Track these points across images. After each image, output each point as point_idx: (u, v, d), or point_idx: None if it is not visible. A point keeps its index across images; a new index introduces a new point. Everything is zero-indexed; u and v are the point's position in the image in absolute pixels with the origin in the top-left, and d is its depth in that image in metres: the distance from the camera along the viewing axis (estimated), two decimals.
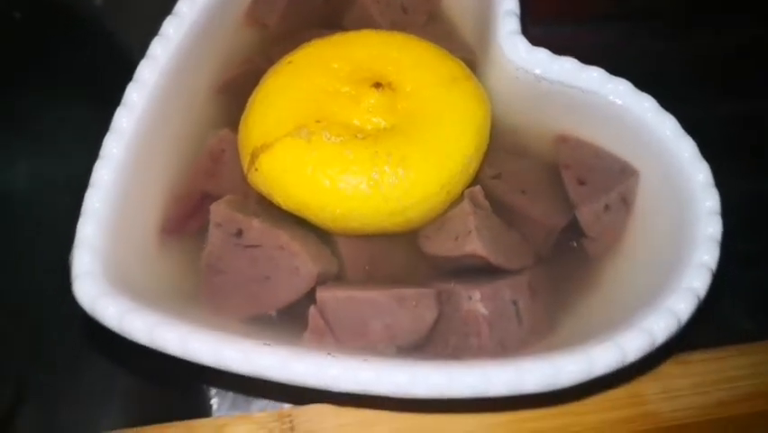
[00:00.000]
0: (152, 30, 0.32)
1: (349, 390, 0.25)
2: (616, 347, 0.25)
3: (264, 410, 0.31)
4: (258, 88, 0.30)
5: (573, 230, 0.30)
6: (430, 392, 0.25)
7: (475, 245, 0.28)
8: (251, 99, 0.30)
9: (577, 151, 0.31)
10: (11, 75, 0.40)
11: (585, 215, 0.30)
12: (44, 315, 0.33)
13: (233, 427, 0.30)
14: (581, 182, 0.30)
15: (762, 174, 0.39)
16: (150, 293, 0.28)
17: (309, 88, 0.30)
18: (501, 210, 0.30)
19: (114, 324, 0.26)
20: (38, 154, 0.38)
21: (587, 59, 0.42)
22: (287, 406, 0.31)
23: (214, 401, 0.32)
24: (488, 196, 0.30)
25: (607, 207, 0.30)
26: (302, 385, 0.25)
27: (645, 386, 0.32)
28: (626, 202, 0.30)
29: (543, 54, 0.31)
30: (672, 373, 0.32)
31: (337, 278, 0.29)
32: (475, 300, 0.27)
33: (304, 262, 0.28)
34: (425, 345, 0.28)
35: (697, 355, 0.32)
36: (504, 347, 0.27)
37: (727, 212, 0.29)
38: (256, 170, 0.29)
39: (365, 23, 0.34)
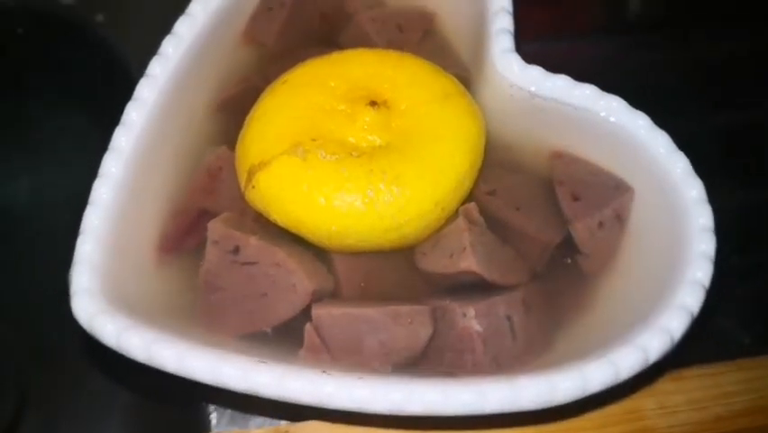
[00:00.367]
0: (152, 45, 0.33)
1: (344, 407, 0.25)
2: (610, 365, 0.25)
3: (262, 427, 0.31)
4: (255, 107, 0.31)
5: (568, 246, 0.30)
6: (425, 410, 0.25)
7: (470, 262, 0.28)
8: (248, 118, 0.31)
9: (571, 167, 0.31)
10: (13, 89, 0.41)
11: (580, 231, 0.30)
12: (45, 328, 0.33)
13: None
14: (576, 198, 0.30)
15: (759, 186, 0.39)
16: (147, 310, 0.28)
17: (305, 106, 0.30)
18: (496, 226, 0.30)
19: (111, 341, 0.26)
20: (39, 167, 0.39)
21: (583, 72, 0.43)
22: (284, 423, 0.31)
23: (213, 417, 0.32)
24: (482, 212, 0.30)
25: (601, 224, 0.30)
26: (298, 403, 0.25)
27: (642, 402, 0.32)
28: (621, 218, 0.30)
29: (536, 72, 0.31)
30: (667, 389, 0.32)
31: (333, 295, 0.29)
32: (470, 317, 0.27)
33: (300, 280, 0.28)
34: (420, 362, 0.28)
35: (692, 371, 0.33)
36: (499, 364, 0.27)
37: (722, 224, 0.29)
38: (253, 187, 0.29)
39: (361, 41, 0.34)
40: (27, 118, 0.40)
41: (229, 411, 0.32)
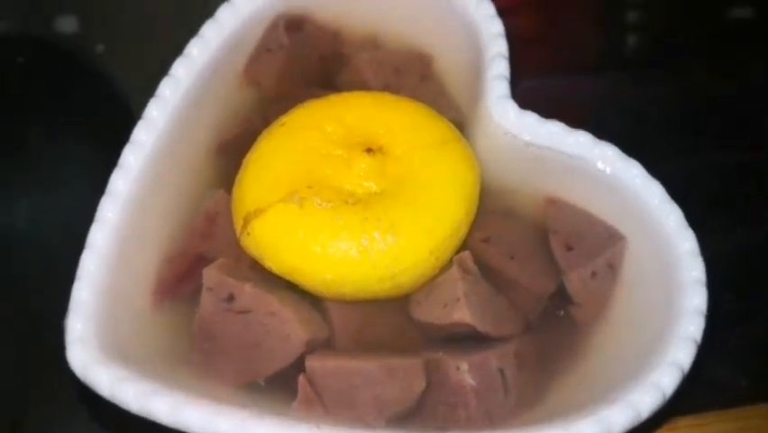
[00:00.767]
0: (152, 74, 0.33)
1: None
2: (601, 422, 0.25)
3: None
4: (251, 151, 0.31)
5: (561, 296, 0.30)
6: None
7: (463, 314, 0.28)
8: (244, 162, 0.31)
9: (565, 214, 0.31)
10: (14, 117, 0.41)
11: (573, 282, 0.30)
12: (41, 354, 0.33)
13: None
14: (569, 248, 0.31)
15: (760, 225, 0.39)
16: (142, 357, 0.28)
17: (302, 151, 0.30)
18: (490, 274, 0.30)
19: (105, 392, 0.26)
20: (38, 194, 0.39)
21: (581, 108, 0.43)
22: None
23: None
24: (476, 260, 0.30)
25: (594, 274, 0.30)
26: None
27: None
28: (613, 268, 0.30)
29: (531, 119, 0.31)
30: None
31: (327, 344, 0.29)
32: (463, 371, 0.27)
33: (294, 329, 0.28)
34: (413, 416, 0.28)
35: (687, 420, 0.32)
36: (491, 419, 0.27)
37: (719, 266, 0.30)
38: (248, 234, 0.29)
39: (359, 83, 0.34)
40: (27, 146, 0.40)
41: None
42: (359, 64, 0.34)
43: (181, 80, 0.32)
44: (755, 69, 0.44)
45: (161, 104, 0.32)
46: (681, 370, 0.27)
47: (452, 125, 0.32)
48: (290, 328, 0.28)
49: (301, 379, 0.28)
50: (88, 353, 0.27)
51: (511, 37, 0.34)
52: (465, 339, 0.29)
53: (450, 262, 0.30)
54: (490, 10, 0.34)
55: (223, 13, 0.34)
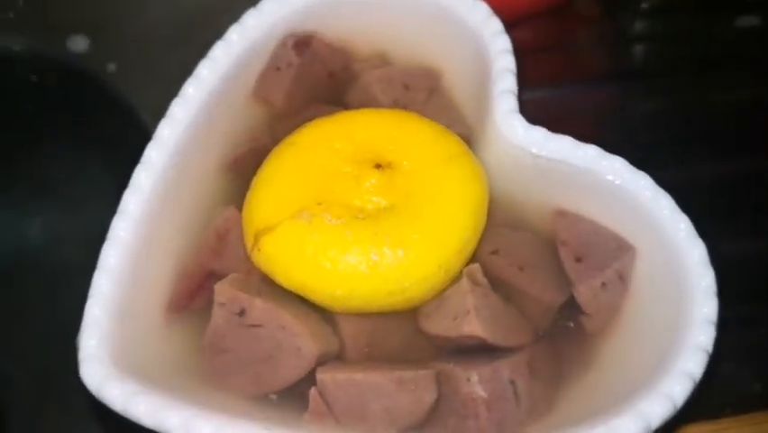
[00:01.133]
0: (163, 93, 0.33)
1: None
2: (611, 431, 0.26)
3: None
4: (261, 168, 0.31)
5: (571, 307, 0.31)
6: None
7: (473, 326, 0.28)
8: (254, 180, 0.31)
9: (574, 226, 0.31)
10: (27, 135, 0.41)
11: (582, 293, 0.30)
12: (55, 368, 0.34)
13: None
14: (579, 259, 0.31)
15: (766, 233, 0.39)
16: (155, 371, 0.29)
17: (311, 169, 0.30)
18: (499, 286, 0.30)
19: (118, 407, 0.27)
20: (52, 211, 0.39)
21: (589, 120, 0.43)
22: None
23: None
24: (486, 272, 0.30)
25: (604, 285, 0.30)
26: None
27: None
28: (623, 279, 0.30)
29: (539, 134, 0.31)
30: None
31: (338, 357, 0.29)
32: (473, 382, 0.27)
33: (305, 343, 0.28)
34: (424, 427, 0.28)
35: (699, 427, 0.33)
36: (502, 429, 0.27)
37: (732, 271, 0.30)
38: (259, 250, 0.29)
39: (368, 100, 0.34)
40: (40, 164, 0.41)
41: None
42: (368, 81, 0.35)
43: (192, 100, 0.33)
44: (763, 77, 0.44)
45: (172, 123, 0.32)
46: (692, 379, 0.27)
47: (460, 140, 0.32)
48: (301, 342, 0.28)
49: (312, 391, 0.28)
50: (101, 369, 0.27)
51: (519, 51, 0.34)
52: (476, 351, 0.29)
53: (459, 275, 0.30)
54: (498, 26, 0.34)
55: (232, 33, 0.34)
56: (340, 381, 0.28)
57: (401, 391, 0.27)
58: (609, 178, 0.31)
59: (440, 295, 0.30)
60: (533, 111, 0.33)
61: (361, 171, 0.30)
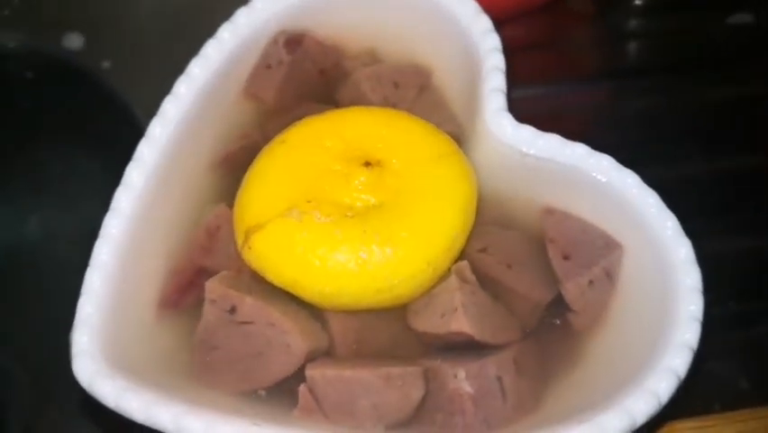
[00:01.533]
0: (155, 90, 0.34)
1: None
2: (596, 428, 0.26)
3: None
4: (252, 166, 0.32)
5: (559, 304, 0.31)
6: None
7: (461, 323, 0.28)
8: (245, 178, 0.31)
9: (562, 224, 0.32)
10: (23, 132, 0.42)
11: (570, 291, 0.30)
12: (50, 365, 0.34)
13: None
14: (566, 257, 0.31)
15: (755, 231, 0.39)
16: (146, 367, 0.29)
17: (301, 167, 0.31)
18: (488, 284, 0.31)
19: (110, 402, 0.27)
20: (47, 208, 0.40)
21: (577, 118, 0.43)
22: None
23: None
24: (474, 270, 0.30)
25: (591, 282, 0.30)
26: None
27: None
28: (610, 276, 0.31)
29: (527, 132, 0.32)
30: None
31: (327, 353, 0.30)
32: (460, 379, 0.28)
33: (294, 340, 0.29)
34: (412, 423, 0.28)
35: (686, 424, 0.33)
36: (489, 425, 0.28)
37: (721, 268, 0.30)
38: (249, 248, 0.30)
39: (358, 98, 0.35)
40: (36, 160, 0.41)
41: None
42: (358, 79, 0.35)
43: (183, 98, 0.33)
44: (755, 75, 0.44)
45: (164, 121, 0.32)
46: (677, 376, 0.27)
47: (449, 138, 0.32)
48: (290, 339, 0.29)
49: (302, 388, 0.28)
50: (94, 365, 0.27)
51: (510, 48, 0.34)
52: (463, 347, 0.29)
53: (448, 272, 0.30)
54: (487, 24, 0.34)
55: (224, 31, 0.35)
56: (329, 377, 0.28)
57: (389, 387, 0.28)
58: (597, 176, 0.31)
59: (428, 292, 0.30)
60: (524, 109, 0.33)
61: (351, 169, 0.30)
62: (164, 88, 0.34)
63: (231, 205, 0.32)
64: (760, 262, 0.38)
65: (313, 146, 0.31)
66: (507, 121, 0.32)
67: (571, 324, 0.31)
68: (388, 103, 0.35)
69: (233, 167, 0.33)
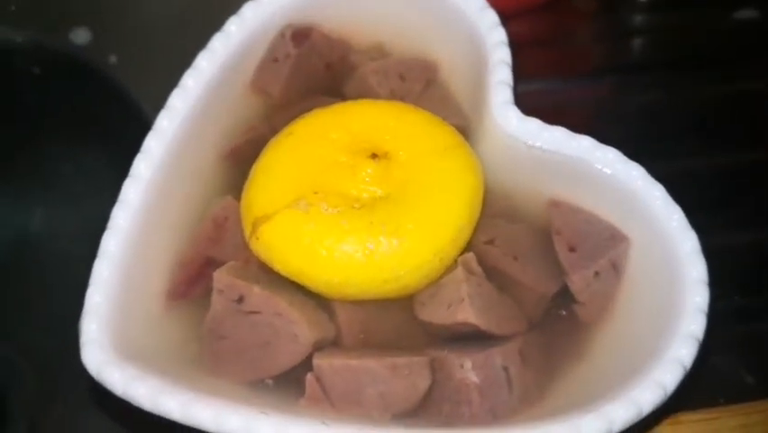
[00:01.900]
0: (163, 84, 0.34)
1: None
2: (602, 418, 0.26)
3: None
4: (259, 159, 0.32)
5: (564, 295, 0.31)
6: None
7: (467, 314, 0.28)
8: (252, 170, 0.32)
9: (568, 216, 0.32)
10: (29, 126, 0.42)
11: (576, 282, 0.30)
12: (56, 358, 0.34)
13: None
14: (572, 249, 0.31)
15: (756, 226, 0.39)
16: (154, 357, 0.29)
17: (308, 159, 0.31)
18: (494, 275, 0.31)
19: (119, 390, 0.27)
20: (53, 202, 0.40)
21: (583, 112, 0.43)
22: None
23: None
24: (481, 261, 0.31)
25: (597, 274, 0.31)
26: None
27: None
28: (616, 268, 0.31)
29: (534, 124, 0.32)
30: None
31: (334, 343, 0.30)
32: (467, 369, 0.28)
33: (302, 330, 0.29)
34: (418, 412, 0.28)
35: (690, 416, 0.33)
36: (495, 415, 0.28)
37: (726, 263, 0.30)
38: (257, 239, 0.30)
39: (365, 91, 0.35)
40: (42, 155, 0.41)
41: None
42: (365, 72, 0.35)
43: (191, 91, 0.33)
44: (759, 70, 0.44)
45: (171, 114, 0.32)
46: (683, 367, 0.27)
47: (455, 131, 0.33)
48: (298, 329, 0.29)
49: (309, 377, 0.28)
50: (102, 353, 0.28)
51: (516, 43, 0.34)
52: (469, 338, 0.29)
53: (454, 264, 0.30)
54: (494, 18, 0.34)
55: (231, 25, 0.35)
56: (336, 366, 0.28)
57: (396, 376, 0.28)
58: (603, 168, 0.31)
59: (435, 283, 0.30)
60: (529, 103, 0.33)
61: (358, 161, 0.31)
62: (171, 82, 0.34)
63: (237, 197, 0.32)
64: (761, 256, 0.38)
65: (320, 138, 0.31)
66: (514, 113, 0.32)
67: (576, 315, 0.31)
68: (395, 96, 0.35)
69: (240, 159, 0.33)
